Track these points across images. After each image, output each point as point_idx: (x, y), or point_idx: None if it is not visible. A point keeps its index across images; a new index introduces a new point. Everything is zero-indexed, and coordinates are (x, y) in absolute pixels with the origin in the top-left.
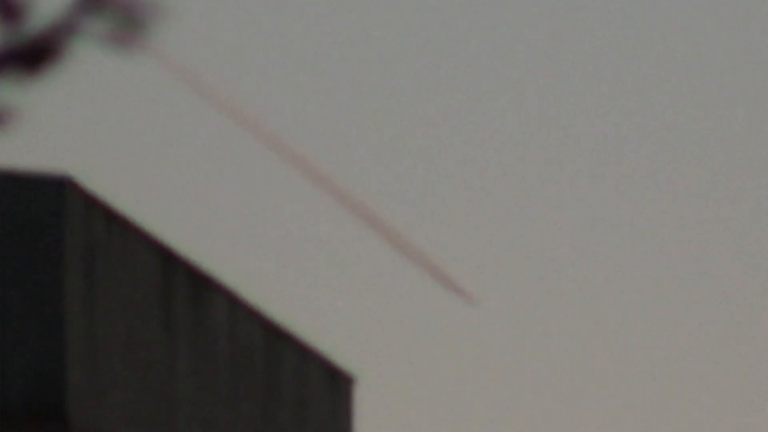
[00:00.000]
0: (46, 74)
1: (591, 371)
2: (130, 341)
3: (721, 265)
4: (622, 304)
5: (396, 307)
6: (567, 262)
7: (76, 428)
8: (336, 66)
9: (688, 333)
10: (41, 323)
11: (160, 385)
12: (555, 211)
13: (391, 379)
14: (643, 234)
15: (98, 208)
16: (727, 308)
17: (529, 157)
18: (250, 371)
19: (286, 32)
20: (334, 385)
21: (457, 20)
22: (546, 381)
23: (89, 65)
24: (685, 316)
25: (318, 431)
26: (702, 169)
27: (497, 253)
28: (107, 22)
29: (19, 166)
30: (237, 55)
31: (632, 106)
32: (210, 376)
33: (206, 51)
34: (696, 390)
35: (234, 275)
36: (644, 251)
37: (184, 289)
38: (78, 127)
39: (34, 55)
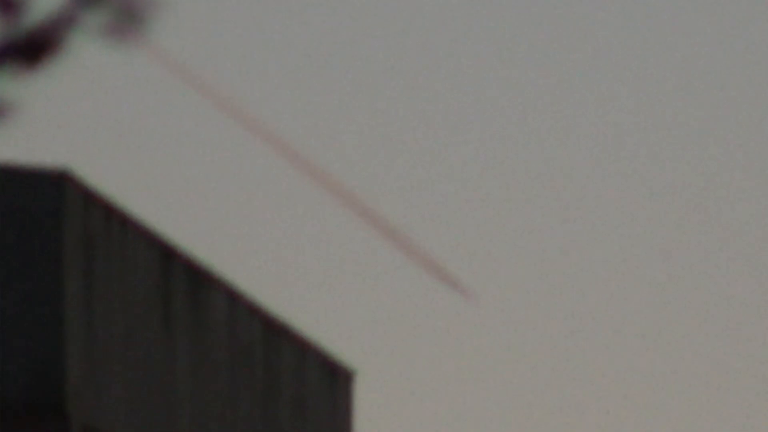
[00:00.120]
0: (44, 68)
1: (590, 367)
2: (129, 337)
3: (724, 258)
4: (622, 301)
5: (395, 303)
6: (566, 259)
7: (75, 424)
8: (334, 63)
9: (687, 330)
10: (40, 319)
11: (159, 381)
12: (555, 208)
13: (390, 374)
14: (644, 230)
15: (97, 202)
16: (732, 299)
17: (529, 154)
18: (250, 366)
19: (286, 28)
20: (334, 380)
21: (456, 19)
22: (545, 377)
23: (88, 59)
24: (684, 314)
25: (317, 426)
26: (704, 166)
27: (496, 249)
28: (105, 15)
29: (18, 160)
30: (234, 48)
31: (633, 104)
32: (209, 372)
33: (203, 45)
34: (696, 387)
35: (233, 270)
36: (644, 248)
37: (183, 284)
38: (77, 121)
39: (33, 49)
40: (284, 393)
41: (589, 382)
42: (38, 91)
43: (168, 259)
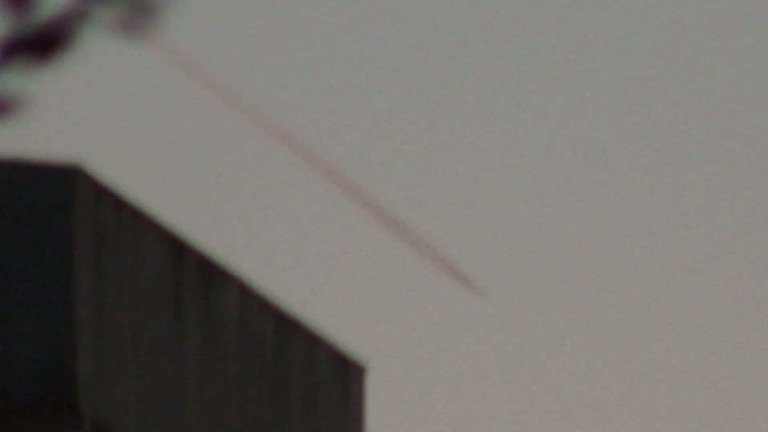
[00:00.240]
0: (55, 62)
1: (598, 361)
2: (139, 330)
3: (728, 251)
4: (631, 296)
5: (406, 298)
6: (575, 254)
7: (86, 417)
8: (345, 58)
9: (690, 327)
10: (51, 312)
11: (170, 374)
12: (563, 203)
13: (402, 368)
14: (651, 226)
15: (108, 196)
16: (738, 290)
17: (538, 149)
18: (260, 360)
19: (295, 23)
20: (345, 374)
21: (473, 13)
22: (555, 372)
23: (99, 53)
24: (688, 311)
25: (328, 420)
26: (708, 163)
27: (505, 244)
28: (116, 10)
29: (30, 154)
30: (244, 43)
31: (634, 102)
32: (220, 365)
33: (214, 39)
34: (702, 383)
35: (244, 264)
36: (652, 242)
37: (193, 278)
38: (88, 115)
39: (44, 43)
40: (295, 387)
41: (599, 376)
42: (49, 85)
43: (179, 253)
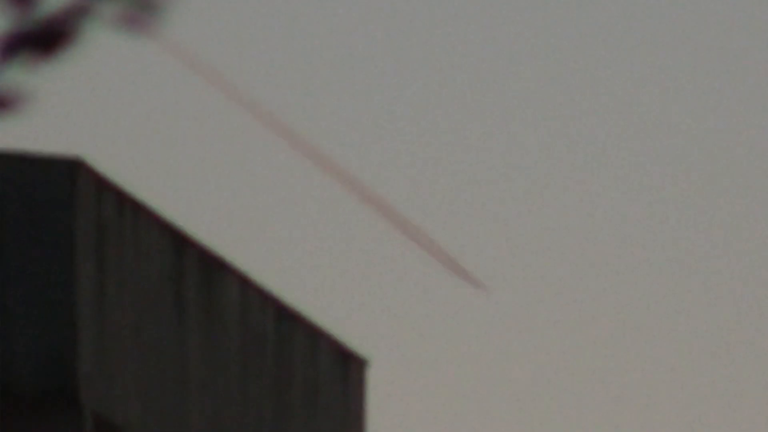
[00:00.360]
0: (58, 58)
1: (600, 358)
2: (141, 324)
3: (728, 251)
4: (635, 293)
5: (408, 292)
6: (577, 251)
7: (87, 411)
8: (350, 55)
9: (691, 324)
10: (52, 306)
11: (171, 368)
12: (566, 200)
13: (404, 363)
14: (653, 223)
15: (110, 190)
16: (738, 290)
17: (540, 146)
18: (262, 354)
19: (300, 20)
20: (347, 368)
21: (469, 16)
22: (556, 367)
23: (101, 49)
24: (689, 308)
25: (330, 414)
26: (708, 163)
27: (507, 240)
28: (119, 5)
29: (32, 148)
30: (247, 39)
31: (635, 102)
32: (221, 359)
33: (217, 35)
34: (702, 382)
35: (245, 258)
36: (653, 240)
37: (195, 272)
38: (90, 109)
39: (47, 39)
40: (296, 381)
41: (601, 373)
42: (52, 80)
43: (180, 247)
